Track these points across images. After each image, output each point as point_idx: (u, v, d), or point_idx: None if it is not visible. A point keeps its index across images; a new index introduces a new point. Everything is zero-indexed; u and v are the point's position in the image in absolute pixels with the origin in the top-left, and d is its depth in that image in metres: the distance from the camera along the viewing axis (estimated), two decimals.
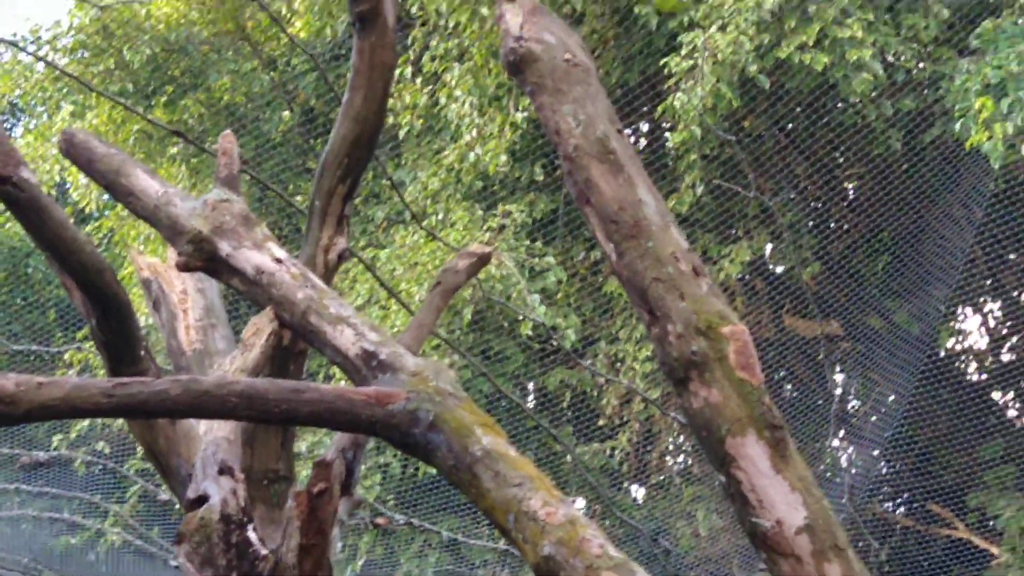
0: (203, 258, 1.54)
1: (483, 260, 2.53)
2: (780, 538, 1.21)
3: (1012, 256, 9.47)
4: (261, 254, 1.56)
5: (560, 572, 1.22)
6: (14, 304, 11.76)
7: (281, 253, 1.59)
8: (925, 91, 8.45)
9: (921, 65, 8.23)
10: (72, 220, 2.08)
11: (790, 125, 9.13)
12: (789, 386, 10.51)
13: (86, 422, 9.23)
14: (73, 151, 1.82)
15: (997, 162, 6.87)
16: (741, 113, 8.65)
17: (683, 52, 7.61)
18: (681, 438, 10.36)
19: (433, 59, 8.80)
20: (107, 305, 1.81)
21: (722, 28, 7.41)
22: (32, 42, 9.94)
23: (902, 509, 10.79)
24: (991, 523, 9.37)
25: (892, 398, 9.79)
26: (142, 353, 1.90)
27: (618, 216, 1.36)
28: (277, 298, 1.51)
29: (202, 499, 1.48)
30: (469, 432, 1.46)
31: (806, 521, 1.20)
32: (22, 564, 10.16)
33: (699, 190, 8.26)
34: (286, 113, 10.20)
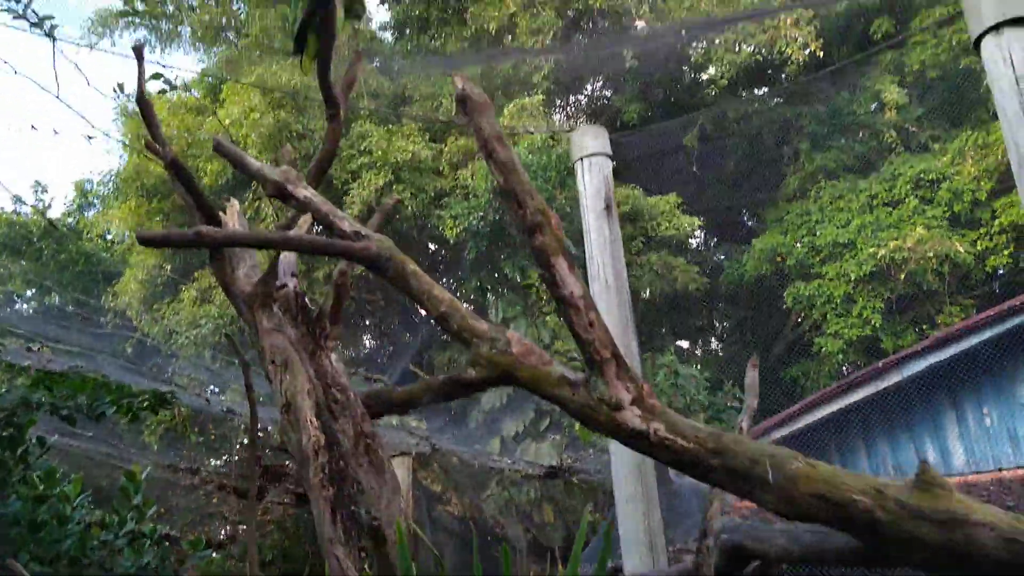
0: (278, 193, 3.34)
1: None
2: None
3: None
4: (306, 191, 3.37)
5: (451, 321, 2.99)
6: None
7: (312, 192, 3.39)
8: None
9: None
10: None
11: None
12: None
13: None
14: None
15: None
16: None
17: None
18: None
19: None
20: (211, 218, 3.58)
21: None
22: None
23: None
24: None
25: None
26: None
27: None
28: (313, 208, 3.30)
29: (285, 286, 3.22)
30: (405, 263, 3.27)
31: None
32: None
33: None
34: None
